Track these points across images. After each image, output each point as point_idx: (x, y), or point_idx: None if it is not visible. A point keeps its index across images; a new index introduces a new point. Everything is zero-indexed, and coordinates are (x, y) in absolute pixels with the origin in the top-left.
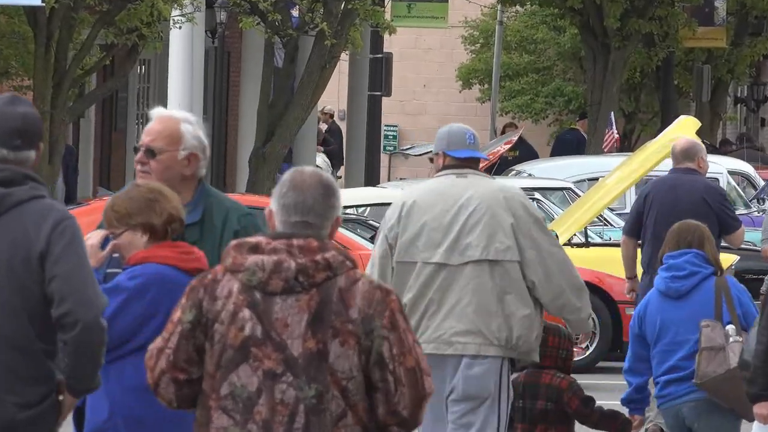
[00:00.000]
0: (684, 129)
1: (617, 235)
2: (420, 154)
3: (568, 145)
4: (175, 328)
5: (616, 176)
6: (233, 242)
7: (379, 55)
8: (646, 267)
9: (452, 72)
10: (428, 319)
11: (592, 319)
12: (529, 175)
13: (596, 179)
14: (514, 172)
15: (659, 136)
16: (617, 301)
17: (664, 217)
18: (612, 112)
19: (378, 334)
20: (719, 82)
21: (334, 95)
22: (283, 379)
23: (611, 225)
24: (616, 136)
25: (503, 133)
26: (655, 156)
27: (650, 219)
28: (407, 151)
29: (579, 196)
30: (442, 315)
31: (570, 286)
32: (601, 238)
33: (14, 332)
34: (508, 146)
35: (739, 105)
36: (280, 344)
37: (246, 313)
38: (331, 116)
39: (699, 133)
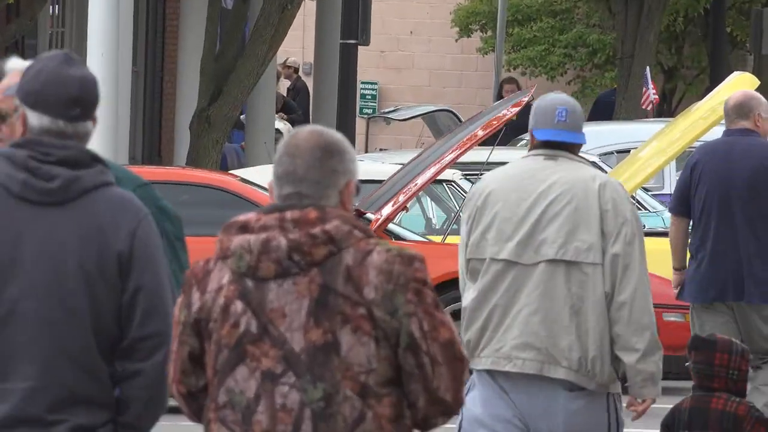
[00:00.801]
0: (738, 88)
1: (652, 222)
2: (406, 119)
3: (610, 109)
4: (175, 329)
5: (652, 148)
6: (224, 223)
7: None
8: (694, 253)
9: (447, 15)
10: (492, 330)
11: None
12: None
13: (627, 151)
14: (523, 142)
15: (707, 97)
16: (654, 304)
17: (716, 191)
18: (648, 67)
19: (404, 311)
20: None
21: (298, 44)
22: (284, 380)
23: (645, 209)
24: (654, 97)
25: (500, 91)
26: (702, 123)
27: (699, 194)
28: (389, 115)
29: (606, 173)
30: (506, 325)
31: (636, 319)
32: None
33: (81, 348)
34: (518, 109)
35: None
36: (278, 338)
37: (238, 305)
38: (296, 71)
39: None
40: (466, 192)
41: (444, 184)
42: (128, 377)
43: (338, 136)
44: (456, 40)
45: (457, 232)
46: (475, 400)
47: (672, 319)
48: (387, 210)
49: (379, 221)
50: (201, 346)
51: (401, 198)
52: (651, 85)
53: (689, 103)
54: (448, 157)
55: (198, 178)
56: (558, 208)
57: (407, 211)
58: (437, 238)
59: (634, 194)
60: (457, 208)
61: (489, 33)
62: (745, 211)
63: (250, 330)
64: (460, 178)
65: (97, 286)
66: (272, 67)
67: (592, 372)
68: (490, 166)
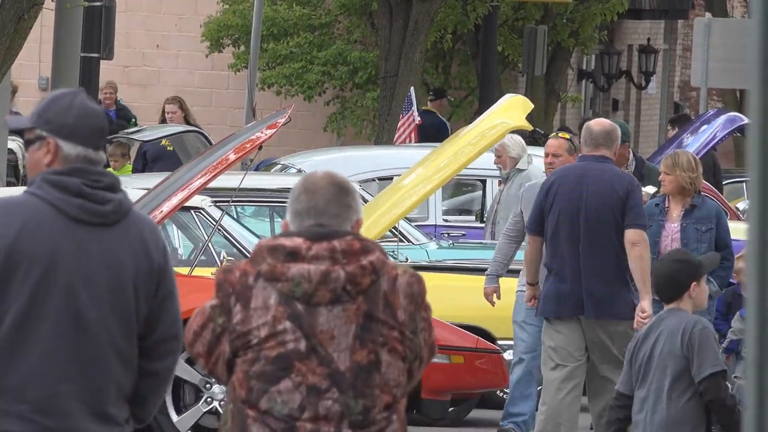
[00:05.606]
0: (510, 112)
1: (416, 255)
2: (152, 140)
3: (424, 131)
4: (206, 321)
5: (416, 175)
6: (266, 243)
7: (97, 3)
8: (548, 271)
9: (197, 28)
10: None
11: None
12: (299, 171)
13: (390, 179)
14: (279, 167)
15: (477, 121)
16: None
17: (566, 212)
18: (412, 88)
19: (420, 328)
20: (558, 49)
21: (35, 57)
22: (328, 395)
23: (409, 241)
24: (418, 120)
25: (163, 112)
26: (471, 149)
27: (552, 215)
28: (133, 136)
29: (366, 201)
30: None
31: None
32: (395, 258)
33: (130, 351)
34: (273, 131)
35: (584, 81)
36: (326, 358)
37: (287, 325)
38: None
39: (530, 117)
40: (215, 220)
41: (192, 211)
42: (146, 375)
43: (346, 178)
44: (206, 56)
45: (205, 264)
46: None
47: (435, 360)
48: None
49: None
50: (229, 350)
51: None
52: (415, 108)
53: (457, 127)
54: (197, 183)
55: None
56: None
57: None
58: (184, 270)
59: (396, 225)
60: (206, 237)
61: (242, 48)
62: (589, 233)
63: (299, 348)
64: (210, 205)
65: (141, 294)
66: (6, 82)
67: None
68: (242, 192)
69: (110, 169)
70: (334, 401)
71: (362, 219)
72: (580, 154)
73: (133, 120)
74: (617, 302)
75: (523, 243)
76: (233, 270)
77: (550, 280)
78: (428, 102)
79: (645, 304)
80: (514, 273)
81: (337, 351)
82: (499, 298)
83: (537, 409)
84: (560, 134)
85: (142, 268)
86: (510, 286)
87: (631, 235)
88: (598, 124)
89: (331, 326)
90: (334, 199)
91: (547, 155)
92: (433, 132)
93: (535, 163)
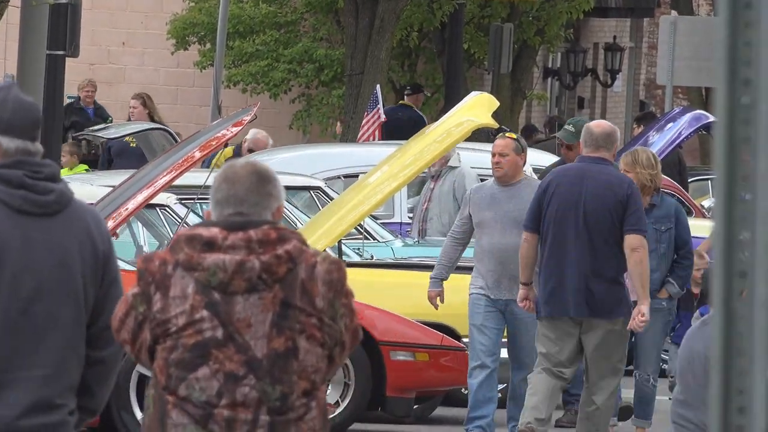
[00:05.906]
0: (476, 110)
1: (382, 253)
2: (118, 137)
3: (400, 126)
4: (129, 309)
5: (382, 173)
6: (184, 233)
7: (63, 1)
8: (541, 269)
9: (162, 26)
10: None
11: (345, 365)
12: None
13: (356, 176)
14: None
15: (442, 118)
16: (380, 341)
17: (563, 211)
18: (378, 86)
19: (340, 314)
20: (524, 47)
21: (0, 54)
22: (245, 382)
23: (374, 238)
24: (383, 118)
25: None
26: (437, 146)
27: (549, 213)
28: (99, 133)
29: (332, 199)
30: None
31: None
32: (361, 255)
33: (80, 340)
34: (239, 128)
35: (550, 79)
36: (243, 346)
37: (204, 314)
38: None
39: (496, 115)
40: (180, 217)
41: (157, 208)
42: (93, 364)
43: (268, 167)
44: (172, 53)
45: None
46: None
47: (400, 358)
48: None
49: None
50: (150, 338)
51: (110, 224)
52: (381, 105)
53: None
54: (162, 180)
55: None
56: None
57: (117, 238)
58: None
59: (362, 223)
60: (171, 234)
61: (208, 46)
62: (586, 233)
63: (216, 336)
64: (175, 203)
65: (89, 282)
66: None
67: None
68: (207, 189)
69: (64, 170)
70: (251, 388)
71: (283, 206)
72: (579, 155)
73: (110, 119)
74: (613, 301)
75: (503, 243)
76: (153, 259)
77: (545, 280)
78: (405, 96)
79: (644, 308)
80: (466, 270)
81: (254, 338)
82: (442, 301)
83: (504, 407)
84: (507, 134)
85: (87, 257)
86: (465, 283)
87: (631, 240)
88: (599, 126)
89: (248, 314)
90: (254, 188)
91: (494, 155)
92: (410, 126)
93: (466, 160)
